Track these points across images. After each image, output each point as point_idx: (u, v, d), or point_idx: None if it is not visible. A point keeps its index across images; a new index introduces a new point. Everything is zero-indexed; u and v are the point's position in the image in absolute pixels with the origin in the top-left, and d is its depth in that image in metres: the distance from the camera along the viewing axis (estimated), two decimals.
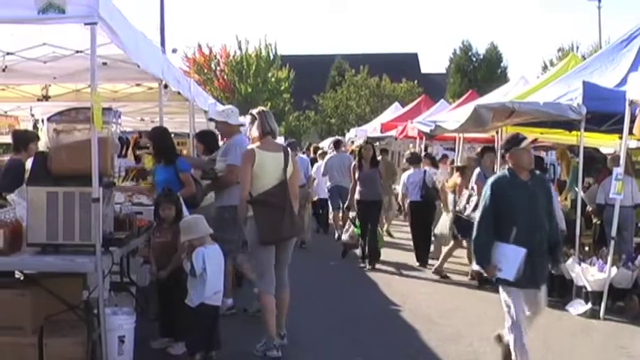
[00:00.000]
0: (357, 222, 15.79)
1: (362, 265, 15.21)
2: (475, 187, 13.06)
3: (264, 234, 8.45)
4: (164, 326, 8.67)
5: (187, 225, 8.04)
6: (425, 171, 16.06)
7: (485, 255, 7.61)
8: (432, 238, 15.90)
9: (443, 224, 15.78)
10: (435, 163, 18.53)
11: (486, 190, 7.68)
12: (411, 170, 16.19)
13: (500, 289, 7.69)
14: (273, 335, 8.57)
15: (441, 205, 16.02)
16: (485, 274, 7.91)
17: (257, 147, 8.62)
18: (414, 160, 16.67)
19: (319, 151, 23.98)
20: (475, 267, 8.11)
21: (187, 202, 9.11)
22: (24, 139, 10.28)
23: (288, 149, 9.11)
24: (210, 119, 10.70)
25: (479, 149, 16.95)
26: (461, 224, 13.36)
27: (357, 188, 15.44)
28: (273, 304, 8.63)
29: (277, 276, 8.76)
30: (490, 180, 7.81)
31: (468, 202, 13.27)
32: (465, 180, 13.89)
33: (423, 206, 15.67)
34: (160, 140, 9.96)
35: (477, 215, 7.87)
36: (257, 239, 8.53)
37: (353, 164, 15.93)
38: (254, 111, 9.02)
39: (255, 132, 8.81)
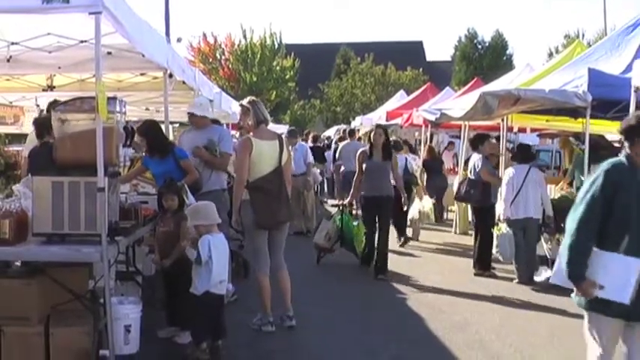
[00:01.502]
0: (341, 219, 13.95)
1: (380, 277, 12.70)
2: (482, 172, 13.34)
3: (260, 218, 9.03)
4: (170, 315, 8.71)
5: (196, 210, 8.05)
6: (406, 158, 17.54)
7: (582, 267, 5.55)
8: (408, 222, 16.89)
9: (414, 209, 16.84)
10: (413, 150, 20.53)
11: (596, 179, 5.65)
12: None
13: (587, 316, 5.87)
14: (269, 311, 9.25)
15: (415, 190, 17.28)
16: (581, 295, 5.68)
17: (253, 136, 9.12)
18: (396, 147, 16.97)
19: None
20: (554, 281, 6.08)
21: (191, 188, 9.13)
22: (47, 124, 10.28)
23: (283, 136, 9.69)
24: (191, 114, 10.59)
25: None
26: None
27: (364, 181, 13.05)
28: (268, 282, 9.26)
29: (274, 259, 9.36)
30: (604, 166, 5.76)
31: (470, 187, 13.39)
32: None
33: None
34: (152, 135, 9.89)
35: (575, 212, 5.67)
36: (253, 223, 9.08)
37: (361, 151, 13.57)
38: (245, 102, 9.42)
39: (249, 122, 9.20)
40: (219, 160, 10.33)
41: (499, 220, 12.77)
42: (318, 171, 22.00)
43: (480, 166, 13.39)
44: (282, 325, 9.31)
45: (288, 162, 9.44)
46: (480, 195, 13.27)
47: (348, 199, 14.04)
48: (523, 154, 13.06)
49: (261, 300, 9.29)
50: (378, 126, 14.19)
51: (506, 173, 13.02)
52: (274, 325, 9.25)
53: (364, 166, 13.03)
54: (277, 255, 9.40)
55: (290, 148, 11.89)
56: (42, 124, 10.02)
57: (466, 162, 18.38)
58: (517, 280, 12.52)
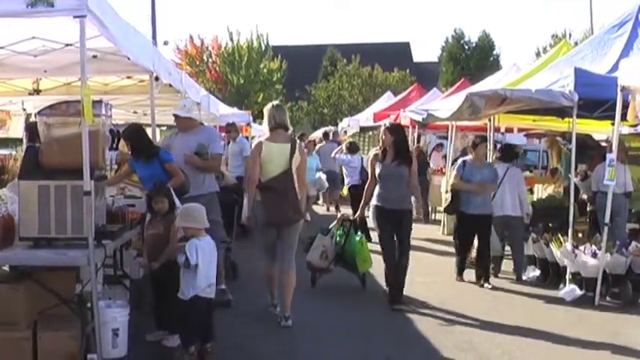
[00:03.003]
0: (342, 234, 11.96)
1: (396, 307, 10.70)
2: (452, 177, 12.98)
3: (269, 215, 9.55)
4: (159, 318, 8.68)
5: (188, 212, 7.98)
6: (362, 157, 18.19)
7: None
8: None
9: None
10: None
11: None
12: (350, 156, 18.45)
13: None
14: (273, 296, 10.14)
15: None
16: None
17: (266, 139, 9.75)
18: (353, 149, 18.85)
19: None
20: None
21: (176, 191, 9.10)
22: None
23: (297, 140, 10.05)
24: (176, 115, 10.59)
25: (469, 137, 17.34)
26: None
27: (376, 190, 11.05)
28: (273, 272, 9.94)
29: (284, 259, 9.77)
30: None
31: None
32: None
33: (362, 188, 16.70)
34: (136, 138, 9.87)
35: None
36: (263, 220, 9.62)
37: (373, 153, 11.41)
38: (267, 107, 10.10)
39: (265, 126, 9.96)
40: (211, 163, 10.36)
41: None
42: (325, 177, 21.96)
43: (456, 168, 12.95)
44: (279, 324, 9.54)
45: (302, 165, 9.82)
46: (451, 202, 12.94)
47: (358, 212, 11.92)
48: (504, 154, 13.22)
49: (268, 288, 10.20)
50: (387, 126, 11.47)
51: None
52: (277, 307, 9.99)
53: (376, 171, 11.04)
54: (286, 255, 9.77)
55: None
56: (34, 128, 10.05)
57: (453, 162, 18.47)
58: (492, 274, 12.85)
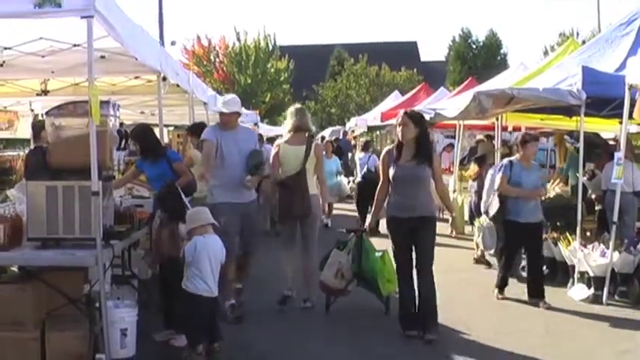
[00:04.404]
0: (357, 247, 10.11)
1: (411, 332, 9.01)
2: (498, 179, 11.24)
3: (279, 211, 10.37)
4: (167, 318, 8.69)
5: (189, 216, 8.04)
6: (370, 156, 19.03)
7: None
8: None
9: None
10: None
11: None
12: (362, 154, 19.59)
13: None
14: (288, 284, 10.59)
15: None
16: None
17: (283, 142, 10.48)
18: (366, 147, 20.31)
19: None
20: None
21: (185, 191, 9.11)
22: (40, 128, 10.39)
23: (312, 142, 10.36)
24: (221, 113, 10.40)
25: (478, 136, 17.24)
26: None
27: (391, 195, 9.18)
28: (290, 265, 10.59)
29: (303, 251, 10.56)
30: None
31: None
32: (485, 168, 13.81)
33: (364, 184, 17.73)
34: (144, 139, 9.88)
35: None
36: (278, 215, 10.57)
37: (386, 150, 9.44)
38: (289, 109, 10.83)
39: (285, 128, 10.86)
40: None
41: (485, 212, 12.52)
42: (346, 180, 21.74)
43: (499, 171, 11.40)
44: (301, 305, 10.36)
45: (317, 164, 10.41)
46: (499, 209, 11.34)
47: (369, 221, 10.08)
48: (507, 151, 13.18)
49: (284, 277, 10.64)
50: (408, 114, 9.18)
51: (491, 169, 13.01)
52: (289, 300, 10.45)
53: (390, 172, 9.08)
54: (305, 247, 10.54)
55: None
56: (38, 128, 10.11)
57: (461, 161, 18.45)
58: (493, 267, 13.13)
